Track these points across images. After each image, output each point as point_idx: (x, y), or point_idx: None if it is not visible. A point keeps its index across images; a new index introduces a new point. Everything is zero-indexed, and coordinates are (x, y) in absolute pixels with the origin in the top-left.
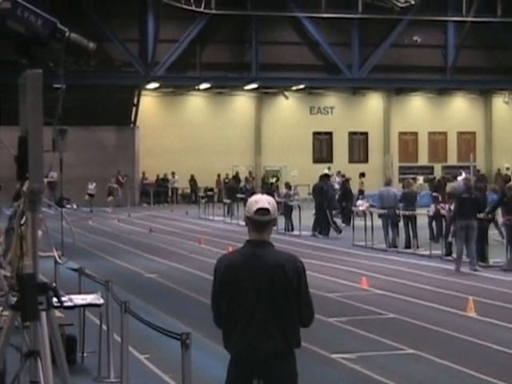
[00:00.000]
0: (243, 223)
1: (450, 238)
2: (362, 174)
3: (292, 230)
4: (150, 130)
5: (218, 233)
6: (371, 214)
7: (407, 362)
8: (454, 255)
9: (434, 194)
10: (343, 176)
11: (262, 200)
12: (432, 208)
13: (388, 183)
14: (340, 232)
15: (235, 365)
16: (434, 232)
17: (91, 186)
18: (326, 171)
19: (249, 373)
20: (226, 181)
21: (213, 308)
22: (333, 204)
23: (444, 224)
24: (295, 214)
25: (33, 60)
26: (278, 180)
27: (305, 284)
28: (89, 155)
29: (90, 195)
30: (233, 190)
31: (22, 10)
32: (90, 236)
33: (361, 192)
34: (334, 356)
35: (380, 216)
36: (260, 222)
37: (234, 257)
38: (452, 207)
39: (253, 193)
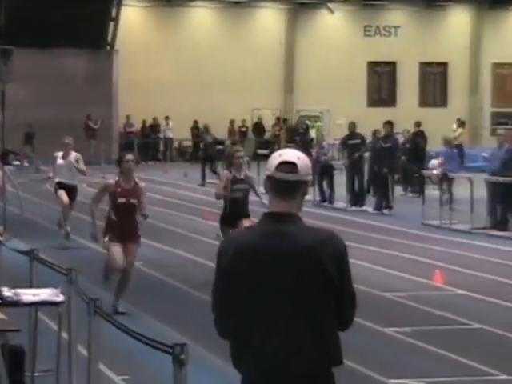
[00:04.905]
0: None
1: None
2: (462, 123)
3: (331, 201)
4: (135, 56)
5: None
6: (450, 179)
7: None
8: None
9: None
10: (418, 125)
11: (288, 153)
12: None
13: None
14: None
15: None
16: None
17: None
18: (341, 122)
19: None
20: (244, 130)
21: (215, 310)
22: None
23: None
24: (339, 178)
25: None
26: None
27: (348, 272)
28: (47, 90)
29: None
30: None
31: None
32: (47, 206)
33: (459, 148)
34: (391, 382)
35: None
36: (284, 182)
37: (247, 237)
38: None
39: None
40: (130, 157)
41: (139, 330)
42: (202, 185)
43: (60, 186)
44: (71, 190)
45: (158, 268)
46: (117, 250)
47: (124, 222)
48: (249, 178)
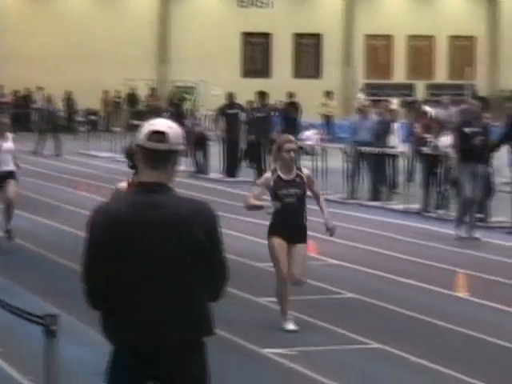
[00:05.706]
0: None
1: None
2: (328, 94)
3: (206, 172)
4: (8, 26)
5: (105, 175)
6: (323, 150)
7: (370, 361)
8: (453, 213)
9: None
10: (291, 96)
11: (159, 123)
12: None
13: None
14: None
15: (121, 361)
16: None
17: None
18: (217, 92)
19: (141, 372)
20: (117, 100)
21: (85, 280)
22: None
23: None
24: (213, 149)
25: None
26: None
27: (219, 243)
28: None
29: None
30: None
31: None
32: None
33: (327, 120)
34: (265, 351)
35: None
36: (154, 151)
37: (117, 207)
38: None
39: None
40: None
41: (10, 302)
42: (34, 152)
43: None
44: (7, 177)
45: (31, 239)
46: None
47: None
48: (303, 177)
